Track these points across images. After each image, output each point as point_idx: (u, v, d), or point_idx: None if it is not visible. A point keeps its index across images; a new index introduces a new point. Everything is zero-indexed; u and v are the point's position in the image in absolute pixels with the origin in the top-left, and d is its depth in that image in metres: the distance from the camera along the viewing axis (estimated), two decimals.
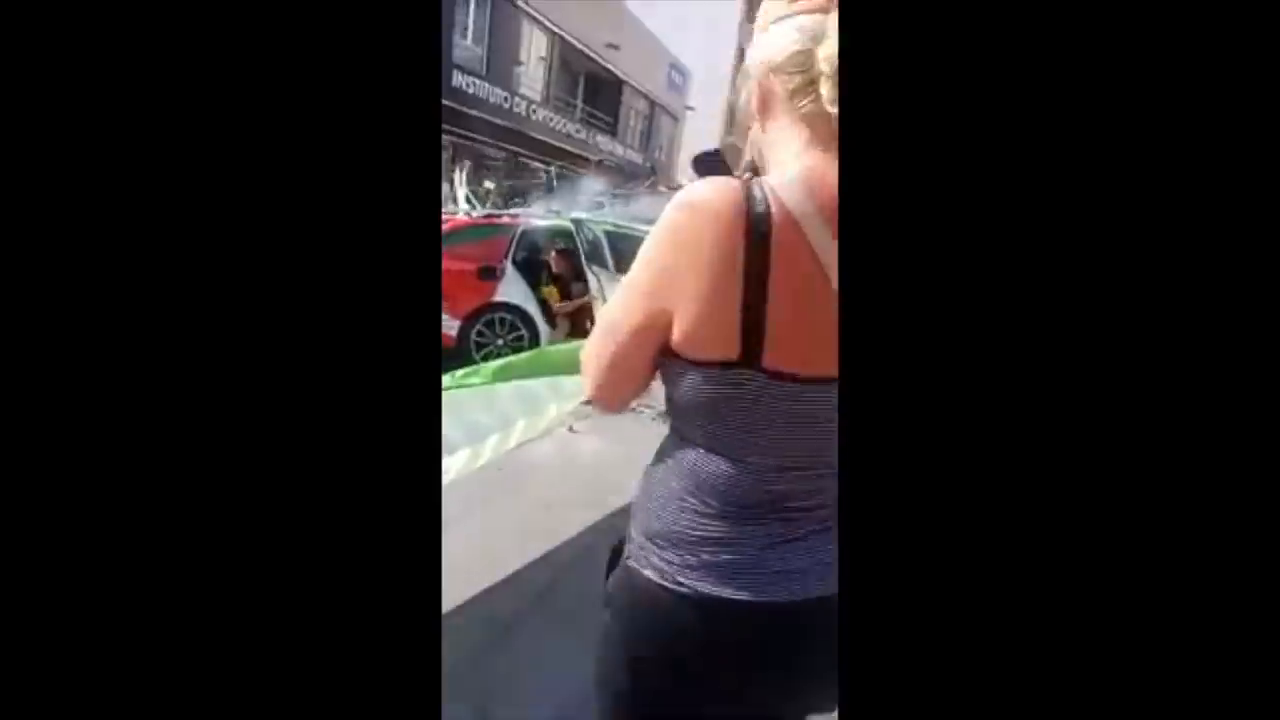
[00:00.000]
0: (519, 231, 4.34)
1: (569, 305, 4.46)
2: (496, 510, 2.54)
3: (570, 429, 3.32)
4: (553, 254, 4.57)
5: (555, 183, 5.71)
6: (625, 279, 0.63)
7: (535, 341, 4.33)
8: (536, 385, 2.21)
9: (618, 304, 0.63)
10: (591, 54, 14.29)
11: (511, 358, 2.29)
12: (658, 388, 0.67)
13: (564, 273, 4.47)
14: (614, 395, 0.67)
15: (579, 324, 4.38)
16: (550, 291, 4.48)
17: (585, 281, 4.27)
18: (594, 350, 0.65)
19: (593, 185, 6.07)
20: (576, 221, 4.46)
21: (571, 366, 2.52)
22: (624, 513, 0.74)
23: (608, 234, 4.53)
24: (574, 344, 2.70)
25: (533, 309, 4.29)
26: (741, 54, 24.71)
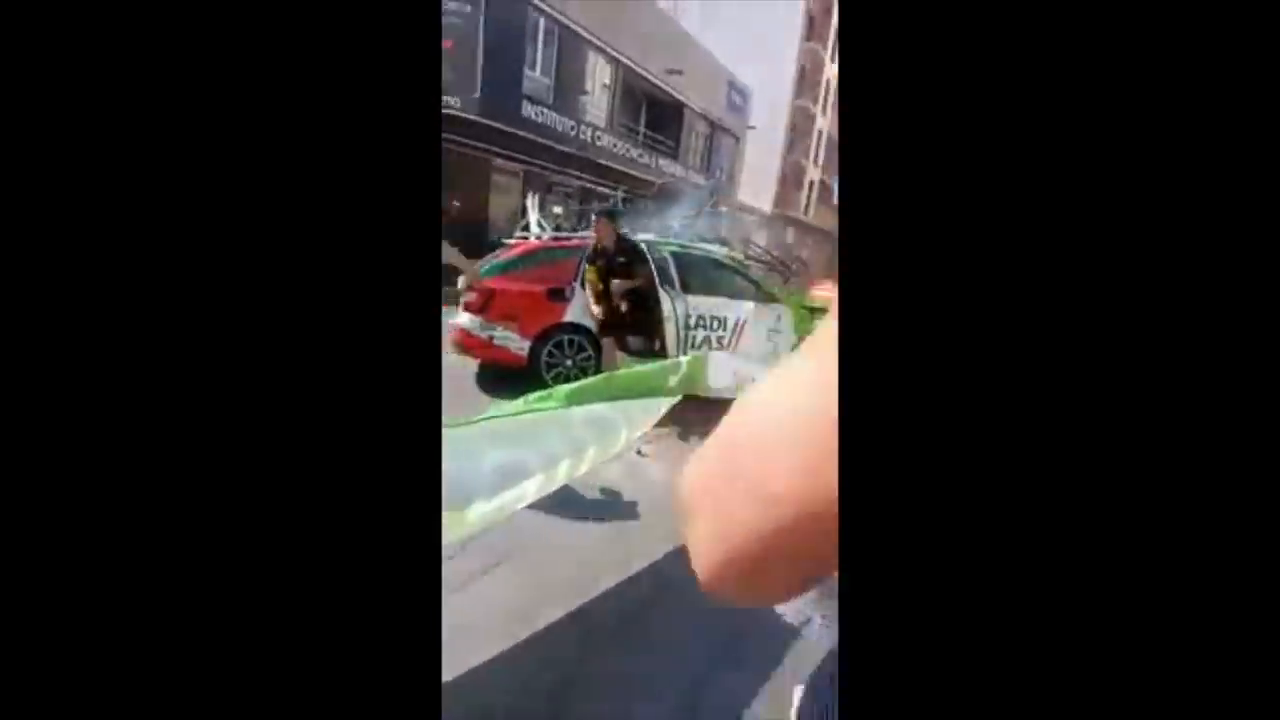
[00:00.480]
0: (585, 254, 4.39)
1: (621, 285, 4.11)
2: (565, 535, 2.51)
3: (639, 452, 3.27)
4: (596, 220, 4.39)
5: (621, 205, 5.75)
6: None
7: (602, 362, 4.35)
8: (607, 410, 2.18)
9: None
10: (653, 79, 14.56)
11: (583, 381, 2.29)
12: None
13: (608, 245, 4.14)
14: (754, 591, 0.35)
15: (623, 324, 4.22)
16: (591, 273, 4.18)
17: (638, 263, 4.19)
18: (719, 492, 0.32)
19: (660, 208, 6.09)
20: (647, 244, 4.47)
21: (640, 389, 2.48)
22: None
23: (674, 254, 4.53)
24: (644, 367, 2.66)
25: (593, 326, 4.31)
26: (802, 72, 24.70)
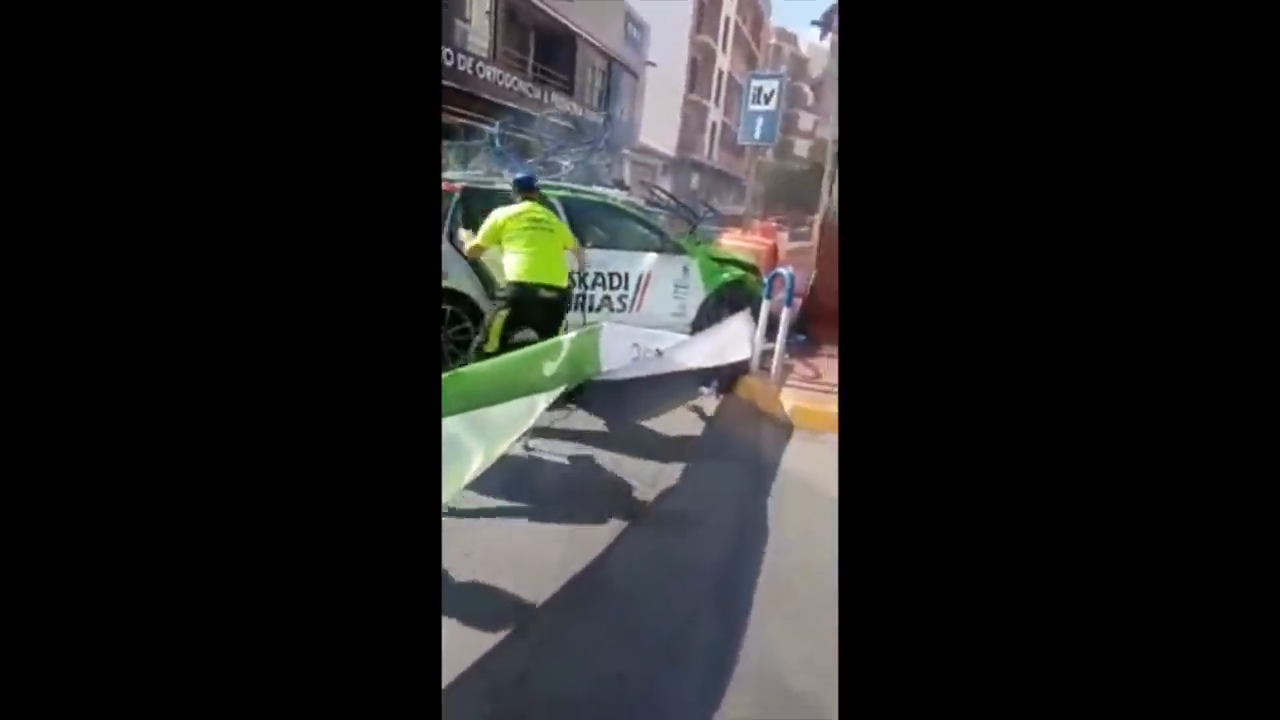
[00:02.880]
0: (455, 200, 3.57)
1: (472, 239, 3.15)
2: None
3: (526, 448, 2.67)
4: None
5: (500, 142, 4.87)
6: None
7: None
8: (457, 426, 1.54)
9: None
10: (542, 5, 13.14)
11: None
12: None
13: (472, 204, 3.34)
14: None
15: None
16: (468, 234, 3.29)
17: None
18: None
19: (547, 142, 5.25)
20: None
21: (505, 386, 1.82)
22: None
23: (563, 200, 3.84)
24: (509, 357, 1.98)
25: (476, 295, 3.54)
26: (700, 6, 23.74)
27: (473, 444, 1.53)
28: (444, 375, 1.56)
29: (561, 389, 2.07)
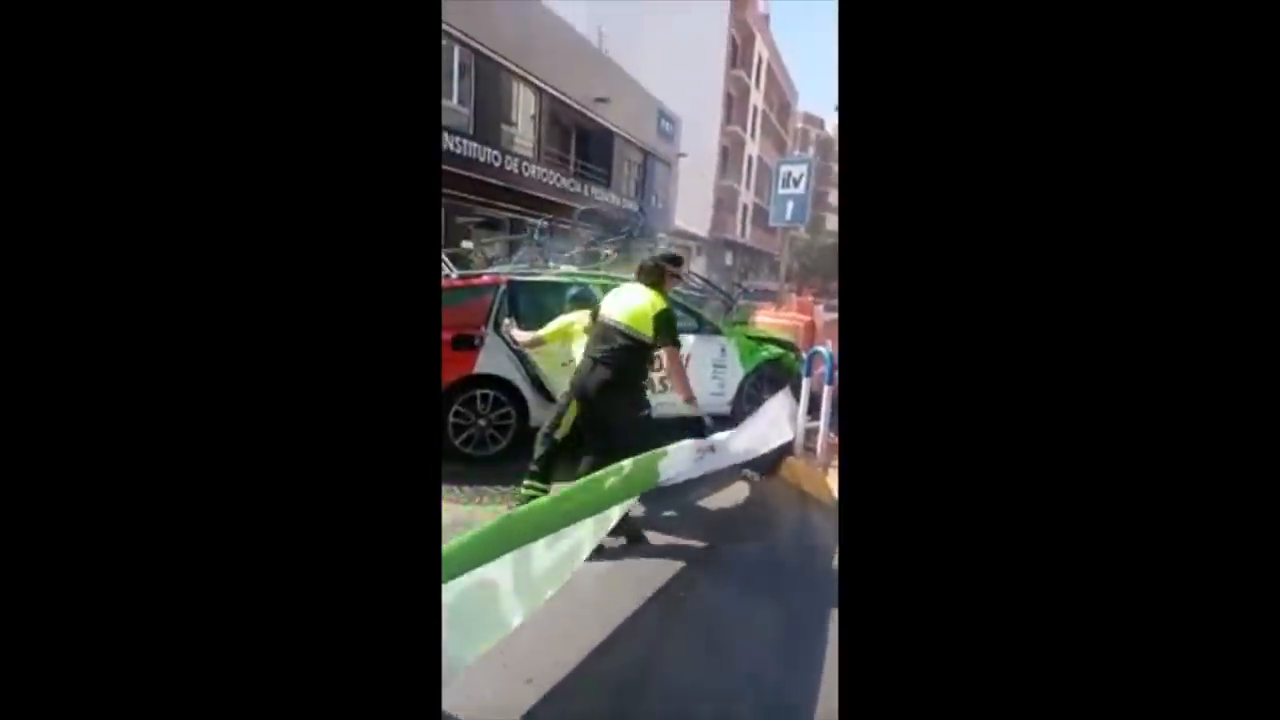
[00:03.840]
0: (500, 292, 3.77)
1: (525, 337, 3.30)
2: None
3: None
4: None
5: (541, 235, 5.17)
6: None
7: (524, 418, 3.69)
8: (472, 586, 1.37)
9: None
10: (580, 107, 14.27)
11: (462, 539, 1.44)
12: None
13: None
14: None
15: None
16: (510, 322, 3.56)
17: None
18: None
19: (583, 234, 5.55)
20: (570, 277, 3.91)
21: (538, 529, 1.64)
22: None
23: (605, 288, 4.01)
24: (570, 488, 1.92)
25: (520, 380, 3.66)
26: (729, 99, 25.29)
27: (512, 609, 1.48)
28: (495, 524, 1.53)
29: (626, 499, 2.08)
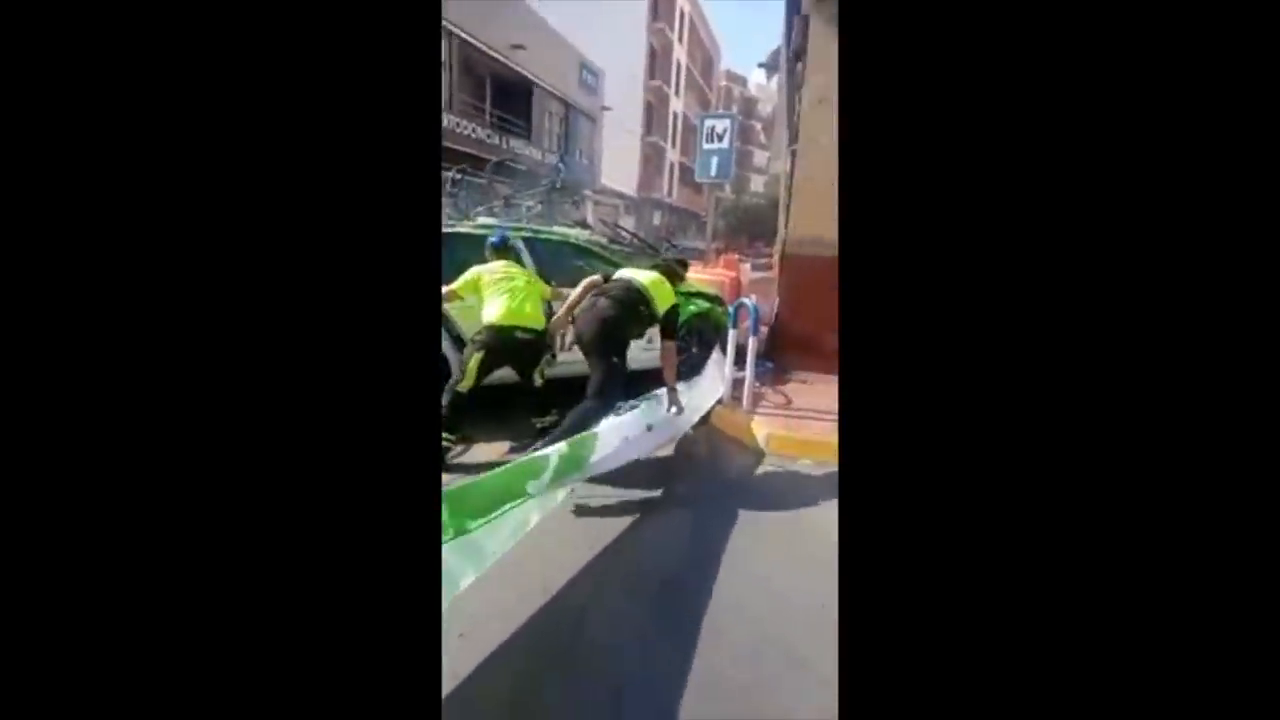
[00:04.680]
0: None
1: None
2: None
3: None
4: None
5: (454, 187, 4.87)
6: None
7: (447, 379, 3.52)
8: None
9: None
10: (496, 55, 13.46)
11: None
12: None
13: None
14: None
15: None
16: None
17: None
18: None
19: (500, 188, 5.27)
20: (487, 228, 3.71)
21: (480, 508, 1.62)
22: None
23: (527, 240, 3.84)
24: (482, 479, 1.82)
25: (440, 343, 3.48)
26: (653, 52, 24.68)
27: (462, 567, 1.48)
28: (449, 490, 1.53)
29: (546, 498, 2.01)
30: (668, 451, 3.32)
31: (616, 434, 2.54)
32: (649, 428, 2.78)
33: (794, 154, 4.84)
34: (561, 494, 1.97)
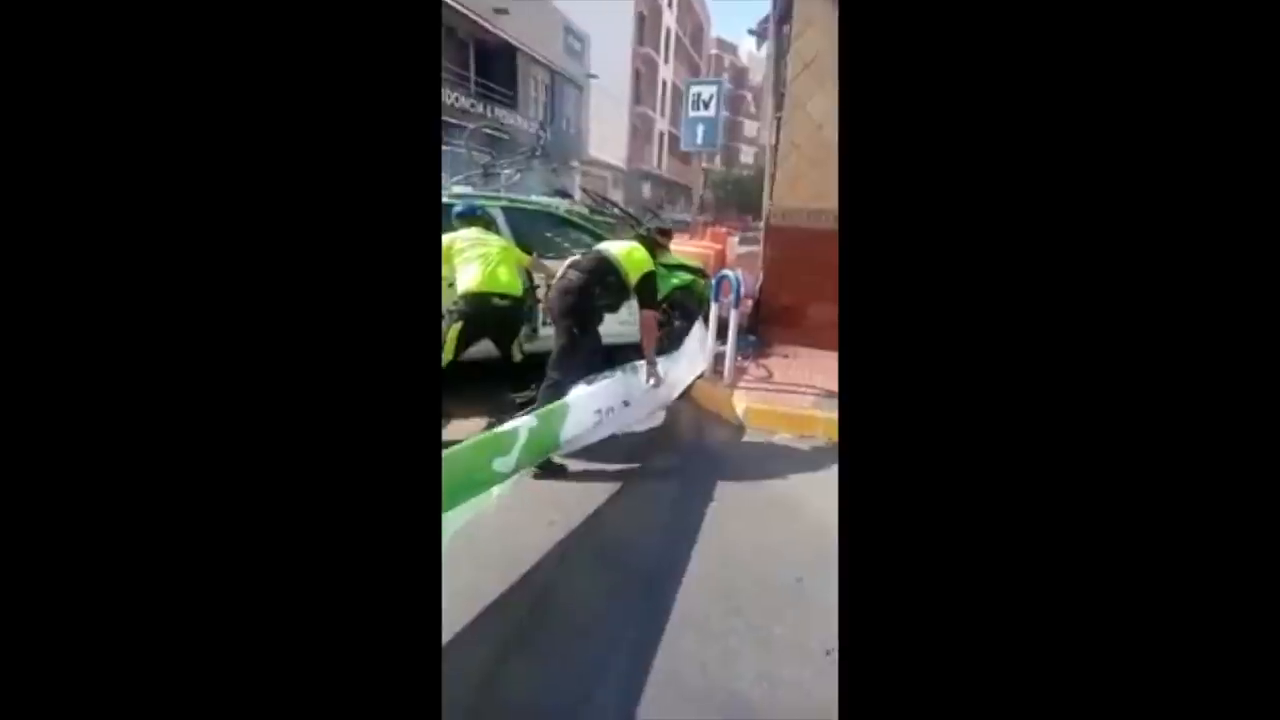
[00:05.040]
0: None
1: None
2: None
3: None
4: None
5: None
6: None
7: None
8: None
9: None
10: (477, 17, 13.01)
11: None
12: None
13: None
14: None
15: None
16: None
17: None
18: None
19: (477, 156, 5.11)
20: (460, 198, 3.59)
21: (451, 485, 1.60)
22: None
23: (504, 210, 3.73)
24: (448, 454, 1.78)
25: None
26: (640, 19, 24.04)
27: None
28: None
29: (515, 476, 1.96)
30: (649, 425, 3.29)
31: (589, 407, 2.49)
32: (625, 401, 2.73)
33: (779, 122, 4.72)
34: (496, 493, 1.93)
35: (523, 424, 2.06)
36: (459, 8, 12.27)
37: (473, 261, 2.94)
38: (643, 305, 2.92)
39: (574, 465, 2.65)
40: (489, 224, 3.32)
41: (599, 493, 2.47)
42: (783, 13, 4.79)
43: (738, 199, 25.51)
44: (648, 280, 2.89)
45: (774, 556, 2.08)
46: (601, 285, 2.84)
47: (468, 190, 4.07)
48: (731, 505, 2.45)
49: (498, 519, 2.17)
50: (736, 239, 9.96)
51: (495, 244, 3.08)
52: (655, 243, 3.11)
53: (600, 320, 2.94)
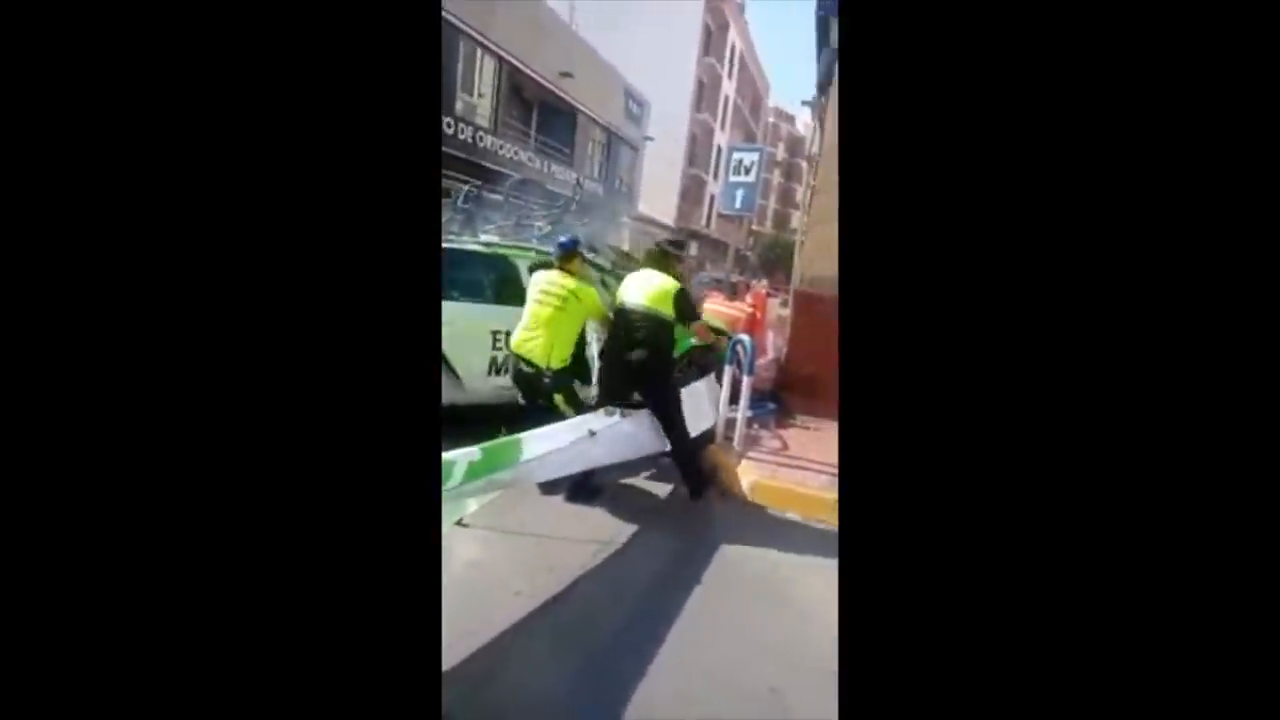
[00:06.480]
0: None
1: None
2: None
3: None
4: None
5: (467, 201, 4.88)
6: None
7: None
8: None
9: None
10: (544, 81, 13.82)
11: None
12: None
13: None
14: None
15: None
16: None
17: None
18: None
19: (518, 205, 5.26)
20: (489, 245, 3.66)
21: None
22: None
23: (533, 267, 3.75)
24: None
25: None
26: (700, 86, 25.05)
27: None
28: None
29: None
30: (648, 484, 3.14)
31: (546, 439, 2.38)
32: (591, 432, 2.59)
33: (813, 190, 4.69)
34: (472, 501, 1.82)
35: (462, 455, 1.95)
36: (527, 70, 13.08)
37: (525, 314, 2.87)
38: (688, 322, 2.87)
39: (556, 529, 2.53)
40: (587, 263, 3.22)
41: (575, 563, 2.33)
42: (821, 82, 4.84)
43: (785, 262, 25.55)
44: (681, 300, 2.79)
45: (751, 657, 1.88)
46: (650, 342, 2.75)
47: (495, 239, 4.16)
48: (716, 587, 2.27)
49: (464, 581, 2.06)
50: (778, 300, 9.86)
51: (557, 297, 2.85)
52: (667, 254, 2.95)
53: (673, 363, 2.91)
